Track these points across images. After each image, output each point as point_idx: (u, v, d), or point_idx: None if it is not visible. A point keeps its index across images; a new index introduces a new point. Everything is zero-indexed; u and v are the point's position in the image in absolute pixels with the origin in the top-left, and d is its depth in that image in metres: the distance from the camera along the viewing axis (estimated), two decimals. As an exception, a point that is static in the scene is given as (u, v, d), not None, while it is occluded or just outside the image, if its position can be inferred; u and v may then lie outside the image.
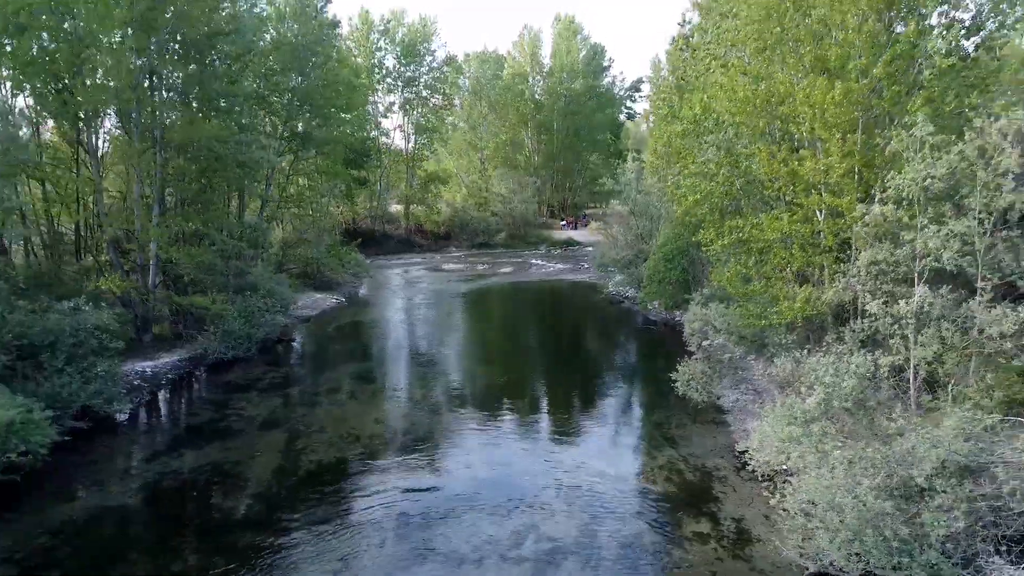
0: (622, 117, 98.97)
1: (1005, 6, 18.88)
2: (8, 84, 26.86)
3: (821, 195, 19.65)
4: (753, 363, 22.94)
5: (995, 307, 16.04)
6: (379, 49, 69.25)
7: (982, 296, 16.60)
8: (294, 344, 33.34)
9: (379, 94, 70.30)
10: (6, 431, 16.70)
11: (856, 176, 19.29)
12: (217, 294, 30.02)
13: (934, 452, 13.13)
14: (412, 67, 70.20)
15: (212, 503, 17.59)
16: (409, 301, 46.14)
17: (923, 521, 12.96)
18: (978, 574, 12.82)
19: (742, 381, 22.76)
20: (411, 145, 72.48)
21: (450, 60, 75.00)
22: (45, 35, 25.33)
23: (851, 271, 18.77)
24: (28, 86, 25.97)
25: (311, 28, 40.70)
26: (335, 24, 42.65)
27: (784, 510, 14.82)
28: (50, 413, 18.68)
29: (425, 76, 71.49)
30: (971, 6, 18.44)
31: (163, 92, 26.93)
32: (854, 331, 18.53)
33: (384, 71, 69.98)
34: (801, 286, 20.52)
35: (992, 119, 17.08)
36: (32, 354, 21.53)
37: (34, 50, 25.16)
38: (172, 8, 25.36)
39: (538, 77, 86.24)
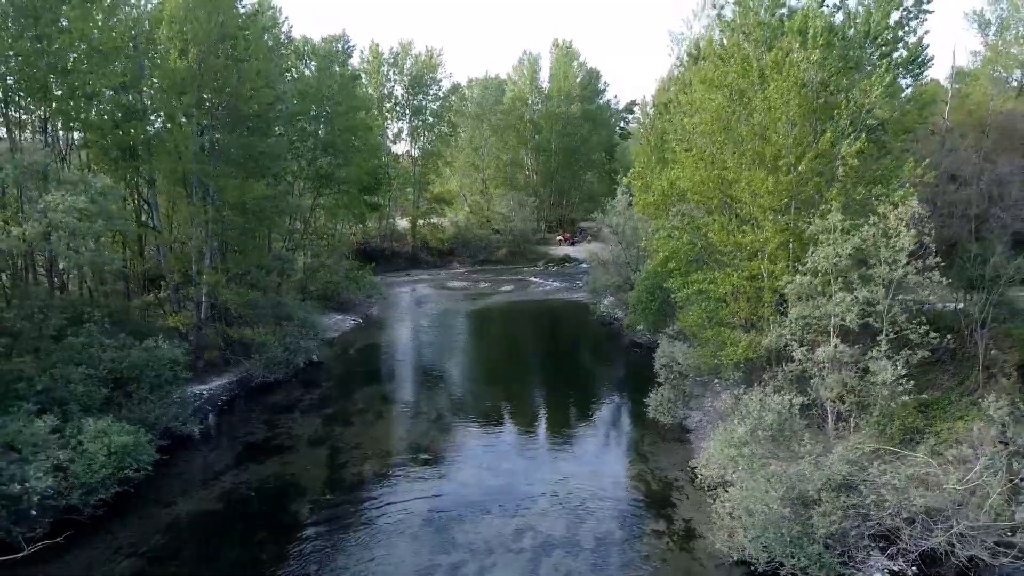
0: (617, 134, 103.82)
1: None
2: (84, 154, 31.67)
3: (762, 261, 24.58)
4: (710, 392, 27.84)
5: (883, 359, 20.95)
6: (388, 80, 74.11)
7: (879, 348, 21.55)
8: (324, 365, 38.15)
9: (389, 121, 75.14)
10: (123, 453, 21.63)
11: (788, 247, 24.21)
12: (259, 325, 34.82)
13: (818, 473, 18.07)
14: (419, 97, 75.05)
15: (277, 507, 22.49)
16: (419, 322, 51.00)
17: (812, 523, 17.86)
18: (850, 562, 17.75)
19: (703, 406, 27.65)
20: (418, 169, 77.31)
21: (455, 89, 79.96)
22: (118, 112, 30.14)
23: (784, 324, 23.67)
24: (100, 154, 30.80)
25: (335, 81, 45.54)
26: (356, 76, 47.57)
27: (717, 513, 19.73)
28: (149, 436, 23.58)
29: (431, 105, 76.30)
30: (877, 118, 23.24)
31: (217, 158, 31.74)
32: (784, 372, 23.43)
33: (394, 100, 74.83)
34: (748, 332, 25.45)
35: (892, 207, 22.03)
36: (121, 385, 26.44)
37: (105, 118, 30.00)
38: (228, 89, 30.25)
39: (537, 101, 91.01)
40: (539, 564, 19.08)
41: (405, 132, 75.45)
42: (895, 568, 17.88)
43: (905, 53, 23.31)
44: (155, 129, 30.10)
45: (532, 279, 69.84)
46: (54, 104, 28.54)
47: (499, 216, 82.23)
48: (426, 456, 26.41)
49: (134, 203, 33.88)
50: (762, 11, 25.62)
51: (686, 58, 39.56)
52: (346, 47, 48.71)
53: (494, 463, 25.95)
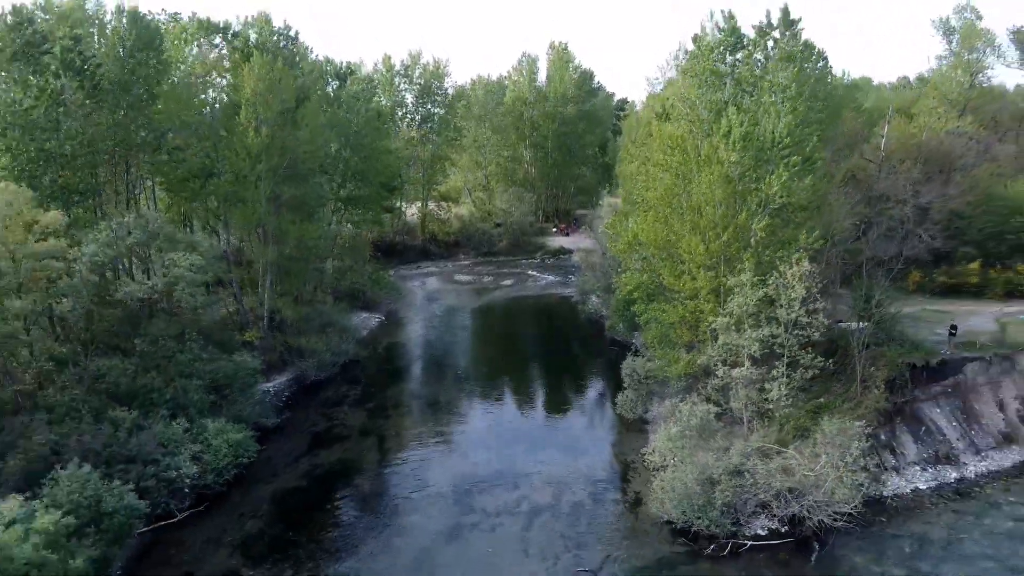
0: (610, 130, 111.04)
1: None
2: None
3: (698, 301, 33.09)
4: (660, 396, 36.50)
5: (775, 381, 29.62)
6: (399, 90, 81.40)
7: (778, 370, 30.22)
8: (360, 363, 46.73)
9: (401, 127, 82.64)
10: (238, 445, 30.40)
11: (717, 292, 32.67)
12: (310, 334, 43.44)
13: (720, 463, 26.85)
14: (427, 106, 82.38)
15: (343, 482, 31.32)
16: (433, 319, 59.54)
17: (714, 496, 26.65)
18: (739, 523, 26.57)
19: (656, 406, 36.35)
20: (426, 171, 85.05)
21: (460, 96, 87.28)
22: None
23: (712, 349, 32.27)
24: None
25: (361, 116, 53.42)
26: (380, 113, 55.40)
27: (655, 488, 28.55)
28: (248, 431, 32.32)
29: (438, 111, 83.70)
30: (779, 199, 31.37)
31: (278, 208, 39.94)
32: (711, 385, 32.08)
33: (405, 108, 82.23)
34: (688, 352, 34.10)
35: (789, 267, 30.40)
36: (218, 390, 35.09)
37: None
38: (289, 154, 38.41)
39: (535, 101, 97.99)
40: (532, 524, 27.95)
41: (416, 138, 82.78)
42: (770, 527, 26.79)
43: (800, 157, 31.32)
44: (232, 188, 38.23)
45: (530, 272, 78.19)
46: (141, 162, 36.88)
47: (500, 211, 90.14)
48: (449, 442, 35.29)
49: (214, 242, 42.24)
50: (702, 108, 33.67)
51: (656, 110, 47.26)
52: (368, 87, 56.32)
53: (499, 447, 34.77)
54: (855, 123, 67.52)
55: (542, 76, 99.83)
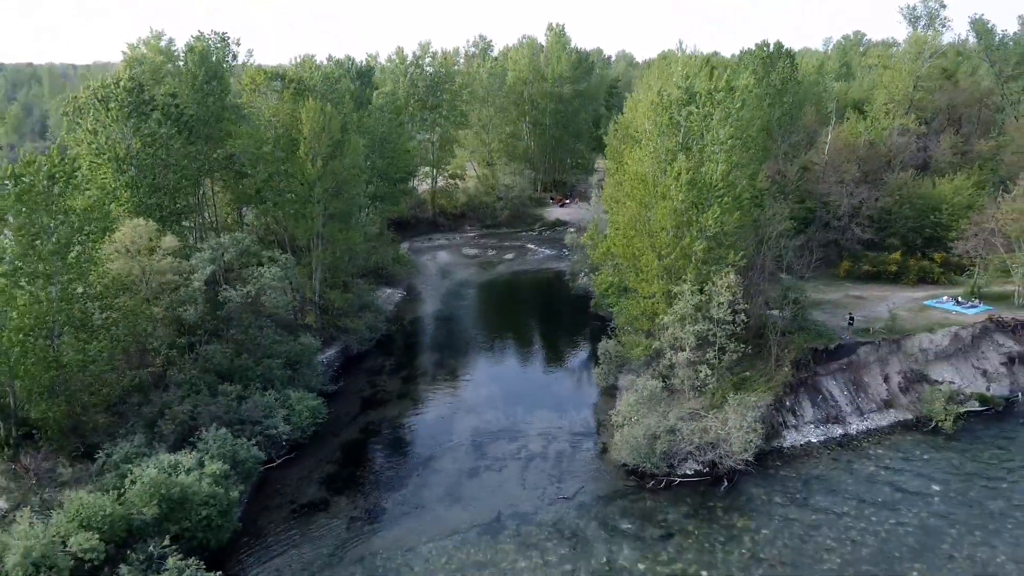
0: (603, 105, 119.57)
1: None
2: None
3: (653, 301, 43.82)
4: (626, 370, 47.45)
5: (703, 364, 40.61)
6: (412, 82, 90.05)
7: (708, 355, 41.14)
8: (391, 337, 57.67)
9: (412, 114, 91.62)
10: (314, 410, 41.55)
11: (667, 295, 43.32)
12: (352, 315, 54.27)
13: (661, 423, 37.99)
14: (437, 95, 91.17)
15: (390, 436, 42.64)
16: (447, 293, 70.21)
17: (656, 447, 37.88)
18: (672, 468, 37.85)
19: (625, 377, 47.36)
20: (436, 152, 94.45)
21: (465, 84, 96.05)
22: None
23: (663, 338, 43.13)
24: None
25: (387, 124, 63.08)
26: (402, 123, 64.88)
27: (616, 441, 39.77)
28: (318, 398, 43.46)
29: (446, 97, 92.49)
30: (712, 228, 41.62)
31: (328, 220, 50.19)
32: (662, 365, 43.03)
33: (417, 96, 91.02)
34: (648, 338, 45.00)
35: (720, 279, 40.99)
36: (291, 365, 46.06)
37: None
38: (337, 179, 48.57)
39: (534, 81, 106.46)
40: (528, 466, 39.29)
41: (427, 122, 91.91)
42: (694, 469, 38.07)
43: (731, 197, 41.39)
44: (294, 206, 48.54)
45: (529, 246, 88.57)
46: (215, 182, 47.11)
47: (503, 186, 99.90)
48: (466, 402, 46.57)
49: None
50: (661, 152, 43.62)
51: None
52: (391, 100, 65.67)
53: (504, 407, 45.96)
54: (813, 118, 77.39)
55: (541, 58, 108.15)
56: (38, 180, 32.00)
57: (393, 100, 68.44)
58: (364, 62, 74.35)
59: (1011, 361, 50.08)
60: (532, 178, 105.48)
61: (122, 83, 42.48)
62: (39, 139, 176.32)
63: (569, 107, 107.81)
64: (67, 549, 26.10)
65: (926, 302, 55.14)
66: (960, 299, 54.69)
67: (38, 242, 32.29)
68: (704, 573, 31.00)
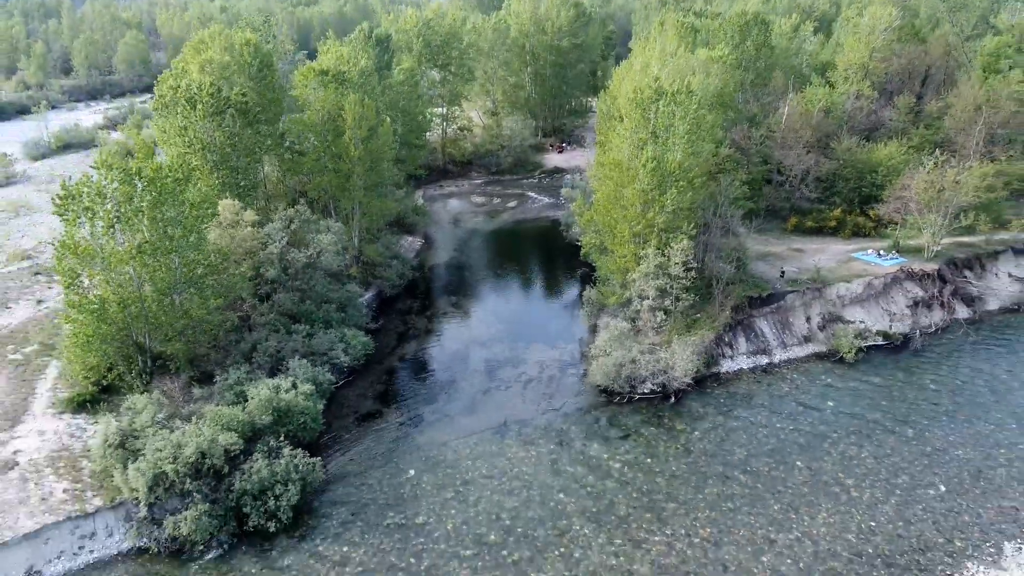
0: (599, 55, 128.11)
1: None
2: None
3: (626, 260, 56.05)
4: (606, 312, 60.01)
5: (660, 310, 53.25)
6: (427, 43, 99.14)
7: (666, 303, 53.71)
8: (415, 281, 70.10)
9: (425, 72, 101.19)
10: (365, 344, 54.45)
11: (636, 256, 55.47)
12: (385, 265, 66.59)
13: (625, 355, 50.87)
14: (447, 54, 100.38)
15: (423, 364, 55.71)
16: (459, 241, 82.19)
17: (622, 372, 50.85)
18: (633, 388, 50.95)
19: (603, 318, 59.97)
20: (445, 107, 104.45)
21: (471, 44, 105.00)
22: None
23: (632, 290, 55.57)
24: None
25: (408, 96, 73.67)
26: (420, 96, 75.24)
27: (592, 368, 52.74)
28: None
29: (455, 59, 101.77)
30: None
31: (365, 191, 61.72)
32: (631, 310, 55.64)
33: (430, 54, 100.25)
34: (621, 288, 57.45)
35: (675, 245, 53.11)
36: (342, 308, 58.68)
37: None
38: (373, 157, 59.89)
39: (534, 34, 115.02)
40: (526, 386, 52.44)
41: (437, 80, 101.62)
42: (650, 388, 51.13)
43: (686, 182, 52.75)
44: (339, 181, 60.09)
45: (530, 193, 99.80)
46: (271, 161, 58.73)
47: (506, 136, 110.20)
48: (478, 337, 59.39)
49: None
50: (635, 141, 54.78)
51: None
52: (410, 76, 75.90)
53: (509, 341, 58.79)
54: (781, 81, 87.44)
55: (542, 8, 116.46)
56: (167, 183, 43.74)
57: (412, 75, 78.70)
58: (385, 30, 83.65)
59: (915, 304, 62.66)
60: (533, 126, 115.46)
61: (205, 89, 53.34)
62: (63, 76, 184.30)
63: (568, 58, 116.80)
64: (218, 443, 39.25)
65: (854, 254, 67.26)
66: (882, 252, 66.78)
67: (168, 228, 44.31)
68: (649, 460, 44.48)
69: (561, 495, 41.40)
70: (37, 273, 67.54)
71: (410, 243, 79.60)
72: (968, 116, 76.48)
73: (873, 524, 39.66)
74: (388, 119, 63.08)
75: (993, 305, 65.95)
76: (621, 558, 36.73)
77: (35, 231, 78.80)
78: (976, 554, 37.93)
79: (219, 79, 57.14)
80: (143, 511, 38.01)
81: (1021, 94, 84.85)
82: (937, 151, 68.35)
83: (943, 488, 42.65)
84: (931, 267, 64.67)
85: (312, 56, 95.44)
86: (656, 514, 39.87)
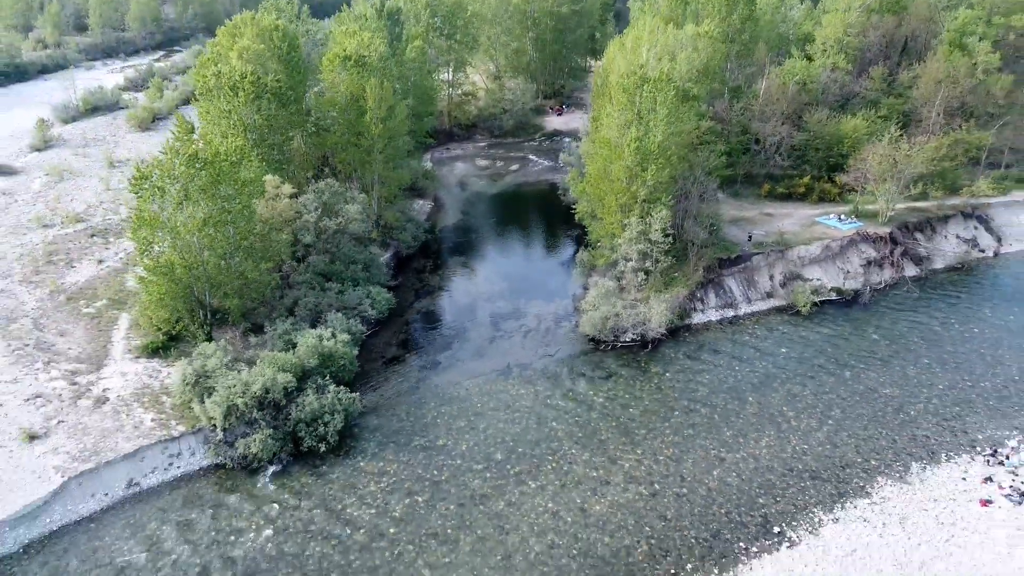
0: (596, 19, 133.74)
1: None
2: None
3: (614, 226, 64.58)
4: (596, 272, 68.74)
5: (641, 271, 62.08)
6: (434, 13, 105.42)
7: (647, 265, 62.52)
8: (428, 241, 78.64)
9: (432, 40, 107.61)
10: (388, 300, 63.43)
11: (620, 223, 63.96)
12: (400, 227, 75.13)
13: (612, 309, 59.86)
14: (452, 24, 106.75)
15: (438, 316, 64.82)
16: (466, 203, 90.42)
17: (609, 322, 59.91)
18: (617, 337, 60.05)
19: (594, 277, 68.73)
20: (451, 73, 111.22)
21: (476, 13, 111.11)
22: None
23: (618, 252, 64.25)
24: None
25: (419, 72, 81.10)
26: (430, 71, 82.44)
27: (582, 321, 61.69)
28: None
29: (460, 27, 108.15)
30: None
31: (383, 162, 69.81)
32: (617, 270, 64.39)
33: (436, 27, 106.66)
34: (608, 251, 66.11)
35: (656, 214, 61.62)
36: (366, 267, 67.44)
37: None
38: (391, 132, 67.85)
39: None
40: (526, 336, 61.61)
41: (444, 49, 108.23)
42: (631, 338, 60.19)
43: (664, 160, 60.70)
44: (360, 156, 68.13)
45: (531, 156, 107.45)
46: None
47: (508, 100, 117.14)
48: (485, 293, 68.31)
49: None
50: (622, 123, 62.60)
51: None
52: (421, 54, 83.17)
53: (511, 297, 67.69)
54: (764, 53, 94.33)
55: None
56: (224, 166, 52.01)
57: (422, 52, 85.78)
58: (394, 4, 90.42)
59: (868, 264, 71.37)
60: (534, 90, 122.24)
61: (247, 78, 60.99)
62: (77, 34, 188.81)
63: (567, 23, 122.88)
64: (278, 382, 48.50)
65: (818, 219, 75.63)
66: (842, 216, 75.13)
67: (225, 204, 52.76)
68: (626, 396, 53.89)
69: (553, 423, 50.90)
70: (93, 235, 75.99)
71: (421, 206, 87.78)
72: (930, 90, 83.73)
73: (806, 447, 49.19)
74: (403, 102, 70.85)
75: (939, 264, 74.68)
76: (600, 471, 46.37)
77: (82, 195, 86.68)
78: (887, 471, 47.47)
79: (256, 66, 64.50)
80: (219, 435, 47.50)
81: (989, 64, 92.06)
82: (893, 128, 75.79)
83: (865, 419, 52.09)
84: (884, 230, 73.13)
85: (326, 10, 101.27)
86: (630, 438, 49.41)
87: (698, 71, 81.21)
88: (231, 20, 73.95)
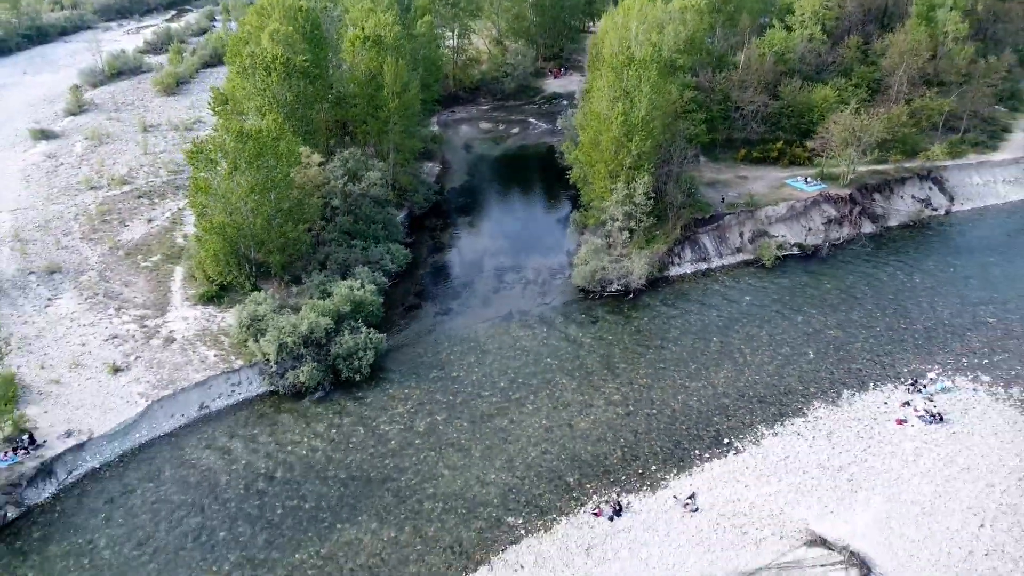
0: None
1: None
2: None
3: (603, 191, 73.71)
4: (589, 231, 78.00)
5: (626, 230, 71.47)
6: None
7: (633, 223, 71.86)
8: (439, 201, 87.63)
9: (439, 10, 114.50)
10: (404, 255, 72.93)
11: (608, 188, 73.01)
12: (414, 189, 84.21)
13: (601, 264, 69.41)
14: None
15: (449, 268, 74.48)
16: (471, 165, 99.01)
17: (597, 275, 69.52)
18: (604, 288, 69.73)
19: (585, 235, 77.99)
20: (455, 40, 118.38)
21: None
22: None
23: (606, 213, 73.50)
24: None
25: (428, 46, 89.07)
26: (439, 45, 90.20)
27: (574, 274, 71.29)
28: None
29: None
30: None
31: (398, 131, 78.43)
32: (607, 228, 73.71)
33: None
34: (599, 212, 75.38)
35: (639, 179, 70.65)
36: (385, 227, 76.75)
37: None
38: (405, 105, 76.37)
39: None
40: (526, 287, 71.30)
41: (450, 18, 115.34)
42: (615, 289, 69.86)
43: (647, 132, 69.20)
44: (378, 126, 76.74)
45: (530, 120, 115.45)
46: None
47: (509, 65, 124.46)
48: (490, 248, 77.76)
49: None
50: (611, 97, 71.04)
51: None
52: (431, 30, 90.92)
53: (512, 253, 77.14)
54: (747, 23, 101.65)
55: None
56: (269, 139, 60.91)
57: (431, 26, 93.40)
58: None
59: (829, 222, 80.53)
60: (534, 54, 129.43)
61: (279, 59, 69.29)
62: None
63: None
64: (320, 324, 58.30)
65: (787, 181, 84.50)
66: (808, 179, 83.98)
67: (268, 173, 61.79)
68: (610, 337, 63.82)
69: (548, 359, 60.95)
70: (139, 196, 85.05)
71: (430, 169, 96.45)
72: (895, 61, 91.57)
73: (757, 378, 59.28)
74: (417, 80, 79.27)
75: (894, 222, 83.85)
76: (585, 396, 56.62)
77: (122, 158, 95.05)
78: (822, 396, 57.57)
79: (286, 47, 72.64)
80: (272, 368, 57.59)
81: (959, 33, 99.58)
82: (853, 102, 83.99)
83: (811, 355, 62.09)
84: (845, 192, 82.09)
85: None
86: (611, 370, 59.52)
87: (685, 42, 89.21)
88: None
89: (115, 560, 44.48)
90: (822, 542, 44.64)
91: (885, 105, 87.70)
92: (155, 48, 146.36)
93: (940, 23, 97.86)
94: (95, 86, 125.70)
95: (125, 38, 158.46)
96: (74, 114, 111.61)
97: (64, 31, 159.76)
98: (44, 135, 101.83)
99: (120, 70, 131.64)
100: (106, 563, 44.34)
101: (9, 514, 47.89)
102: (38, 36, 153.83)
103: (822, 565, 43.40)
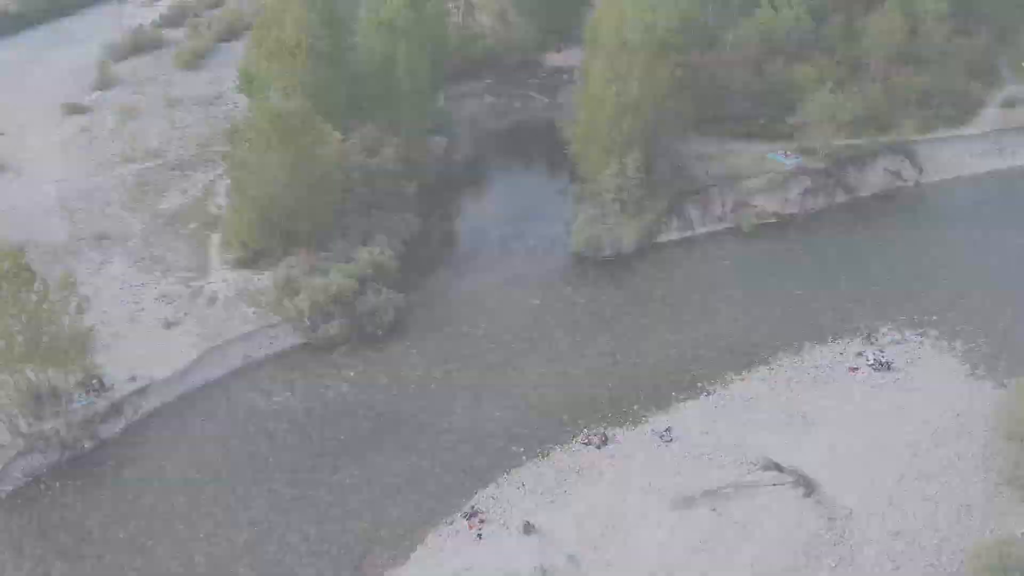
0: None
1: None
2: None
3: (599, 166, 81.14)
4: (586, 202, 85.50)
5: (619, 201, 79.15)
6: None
7: (624, 197, 79.51)
8: (452, 167, 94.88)
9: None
10: (419, 226, 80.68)
11: (607, 162, 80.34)
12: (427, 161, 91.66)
13: (596, 231, 77.14)
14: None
15: (457, 233, 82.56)
16: (477, 140, 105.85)
17: (593, 243, 77.33)
18: (598, 251, 77.53)
19: (583, 206, 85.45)
20: (460, 17, 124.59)
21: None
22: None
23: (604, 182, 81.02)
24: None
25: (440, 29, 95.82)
26: (446, 26, 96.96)
27: (574, 239, 79.03)
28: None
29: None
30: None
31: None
32: (603, 198, 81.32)
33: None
34: (595, 184, 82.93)
35: (631, 158, 78.01)
36: (398, 198, 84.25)
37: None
38: (416, 87, 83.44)
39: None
40: (529, 255, 79.14)
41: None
42: (611, 253, 77.58)
43: (639, 112, 76.18)
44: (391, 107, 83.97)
45: (532, 94, 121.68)
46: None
47: (513, 38, 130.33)
48: (495, 215, 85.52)
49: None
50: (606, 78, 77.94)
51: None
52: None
53: (515, 221, 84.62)
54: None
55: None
56: (297, 120, 68.35)
57: (440, 5, 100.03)
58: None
59: (805, 192, 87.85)
60: (536, 28, 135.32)
61: (303, 45, 76.25)
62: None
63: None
64: (346, 285, 66.24)
65: (768, 154, 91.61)
66: (788, 153, 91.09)
67: (299, 150, 69.22)
68: (603, 296, 72.03)
69: (547, 317, 69.27)
70: (172, 168, 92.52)
71: (437, 143, 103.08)
72: (873, 40, 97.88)
73: (730, 332, 67.42)
74: (427, 61, 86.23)
75: (866, 193, 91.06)
76: (579, 348, 65.10)
77: (152, 131, 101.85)
78: (785, 348, 65.53)
79: (309, 33, 79.45)
80: (306, 323, 65.85)
81: (939, 12, 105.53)
82: (830, 84, 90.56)
83: (779, 312, 70.11)
84: (821, 164, 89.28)
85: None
86: (603, 325, 67.85)
87: (679, 20, 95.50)
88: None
89: (181, 481, 53.35)
90: (776, 466, 53.19)
91: (862, 83, 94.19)
92: (170, 22, 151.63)
93: (920, 1, 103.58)
94: (117, 61, 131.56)
95: (140, 11, 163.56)
96: (102, 89, 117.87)
97: (83, 3, 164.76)
98: (75, 109, 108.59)
99: (141, 45, 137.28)
100: (173, 483, 53.21)
101: (87, 445, 56.69)
102: (57, 9, 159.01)
103: (775, 484, 52.04)
